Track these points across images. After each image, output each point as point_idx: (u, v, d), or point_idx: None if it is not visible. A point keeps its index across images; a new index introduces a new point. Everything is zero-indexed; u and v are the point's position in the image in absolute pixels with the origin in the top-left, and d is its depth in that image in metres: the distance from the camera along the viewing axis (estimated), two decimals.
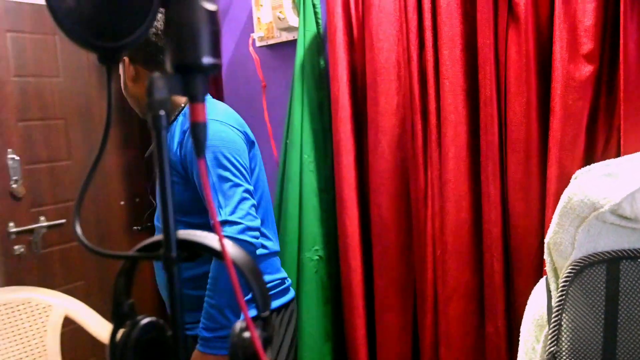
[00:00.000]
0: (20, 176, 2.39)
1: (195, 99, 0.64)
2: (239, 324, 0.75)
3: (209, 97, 1.53)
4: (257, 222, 1.36)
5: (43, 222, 2.49)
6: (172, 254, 0.68)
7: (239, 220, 1.33)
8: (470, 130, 1.67)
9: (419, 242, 1.76)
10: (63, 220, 2.56)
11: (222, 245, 0.64)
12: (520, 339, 1.29)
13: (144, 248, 0.81)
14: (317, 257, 1.93)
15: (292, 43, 1.98)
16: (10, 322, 2.22)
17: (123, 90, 1.55)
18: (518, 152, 1.59)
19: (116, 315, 0.86)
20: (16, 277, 2.43)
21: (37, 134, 2.47)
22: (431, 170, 1.71)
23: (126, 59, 1.49)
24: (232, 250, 0.70)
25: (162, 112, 0.63)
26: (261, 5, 2.01)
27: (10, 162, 2.36)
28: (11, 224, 2.38)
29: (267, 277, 1.44)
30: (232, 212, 1.33)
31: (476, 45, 1.62)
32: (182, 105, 1.52)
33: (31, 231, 2.45)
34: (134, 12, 0.64)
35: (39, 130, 2.48)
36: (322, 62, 1.96)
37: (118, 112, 2.79)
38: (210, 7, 0.64)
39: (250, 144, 1.50)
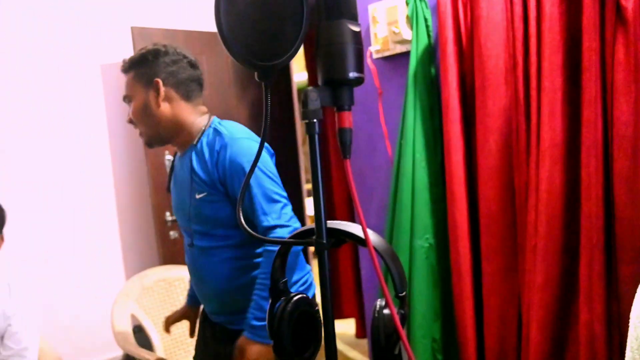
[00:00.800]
0: None
1: (342, 108, 0.79)
2: (379, 302, 0.90)
3: (225, 121, 1.65)
4: (298, 224, 1.49)
5: None
6: (323, 241, 0.84)
7: (287, 224, 1.47)
8: (568, 129, 1.78)
9: (521, 231, 1.90)
10: None
11: (365, 233, 0.79)
12: (630, 324, 1.35)
13: (298, 235, 1.04)
14: (427, 245, 2.12)
15: (406, 54, 2.17)
16: (168, 295, 2.65)
17: (138, 112, 1.57)
18: (625, 148, 1.67)
19: (273, 291, 1.08)
20: (170, 258, 2.83)
21: None
22: (532, 166, 1.84)
23: (159, 80, 1.54)
24: (373, 237, 0.83)
25: (314, 120, 0.79)
26: (377, 22, 2.22)
27: (167, 162, 2.80)
28: (167, 214, 2.81)
29: (301, 272, 1.52)
30: (279, 217, 1.47)
31: (578, 50, 1.72)
32: (203, 127, 1.58)
33: None
34: (286, 39, 0.76)
35: None
36: (432, 71, 2.14)
37: (251, 119, 3.16)
38: (355, 28, 0.76)
39: (272, 155, 1.61)
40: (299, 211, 3.50)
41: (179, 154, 1.69)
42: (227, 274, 1.56)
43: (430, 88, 2.13)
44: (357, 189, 0.88)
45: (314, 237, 0.86)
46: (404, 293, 0.91)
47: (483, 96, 1.94)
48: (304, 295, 1.06)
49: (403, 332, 0.82)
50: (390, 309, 0.82)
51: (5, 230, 1.79)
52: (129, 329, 2.28)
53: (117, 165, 2.85)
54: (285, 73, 3.35)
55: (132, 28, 2.66)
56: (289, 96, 3.36)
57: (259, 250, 1.56)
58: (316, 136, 0.82)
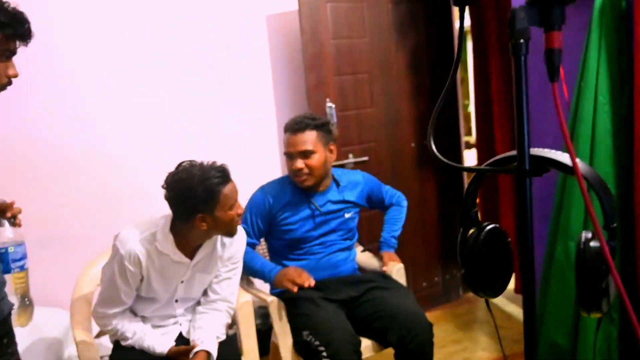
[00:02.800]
0: (335, 121, 2.88)
1: (551, 28, 0.76)
2: (584, 234, 0.88)
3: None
4: None
5: (351, 159, 2.98)
6: (526, 167, 0.81)
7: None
8: None
9: None
10: (366, 158, 3.02)
11: (573, 160, 0.75)
12: None
13: (495, 163, 1.02)
14: None
15: None
16: None
17: (319, 165, 2.14)
18: None
19: (464, 221, 1.08)
20: None
21: (348, 86, 2.95)
22: None
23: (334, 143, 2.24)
24: (581, 165, 0.81)
25: (521, 41, 0.77)
26: None
27: (328, 109, 2.87)
28: None
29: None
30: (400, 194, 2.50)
31: None
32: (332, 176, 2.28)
33: (342, 165, 2.93)
34: None
35: (349, 83, 2.95)
36: (623, 4, 1.92)
37: (410, 67, 3.12)
38: None
39: None
40: (459, 194, 3.42)
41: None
42: None
43: (619, 24, 1.92)
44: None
45: (514, 164, 0.84)
46: (614, 225, 0.87)
47: None
48: (496, 225, 1.05)
49: (613, 265, 0.79)
50: (600, 241, 0.79)
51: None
52: None
53: (280, 115, 2.99)
54: (445, 16, 3.24)
55: None
56: (448, 41, 3.24)
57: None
58: (522, 58, 0.80)
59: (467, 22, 3.28)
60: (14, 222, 1.41)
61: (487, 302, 1.12)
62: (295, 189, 2.22)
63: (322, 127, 2.14)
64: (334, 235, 2.24)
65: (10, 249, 1.36)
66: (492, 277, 1.03)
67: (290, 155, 2.13)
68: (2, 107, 2.47)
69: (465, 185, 3.37)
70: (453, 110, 3.33)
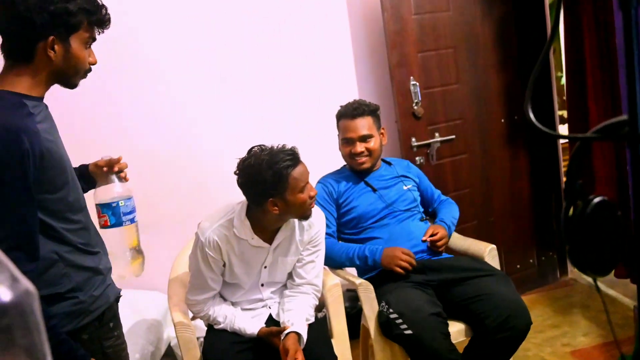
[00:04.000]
0: (419, 99, 2.81)
1: None
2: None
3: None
4: None
5: (437, 138, 2.89)
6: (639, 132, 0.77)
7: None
8: None
9: None
10: (452, 137, 2.92)
11: None
12: None
13: (601, 130, 0.93)
14: None
15: None
16: None
17: (377, 148, 2.25)
18: None
19: (569, 193, 1.00)
20: None
21: (432, 62, 2.85)
22: None
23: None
24: None
25: None
26: None
27: (412, 88, 2.80)
28: (413, 139, 2.84)
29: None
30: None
31: None
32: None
33: (428, 145, 2.87)
34: None
35: (433, 59, 2.85)
36: None
37: (497, 39, 2.97)
38: None
39: None
40: (554, 171, 3.23)
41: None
42: None
43: None
44: None
45: (626, 129, 0.77)
46: None
47: None
48: (605, 197, 0.97)
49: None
50: None
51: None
52: None
53: (363, 91, 2.95)
54: None
55: None
56: (539, 9, 3.04)
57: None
58: (633, 11, 0.72)
59: None
60: (121, 177, 1.48)
61: (595, 282, 1.04)
62: (350, 175, 2.32)
63: (375, 112, 2.27)
64: (397, 205, 2.24)
65: (121, 203, 1.42)
66: (601, 254, 0.95)
67: (350, 140, 2.23)
68: (112, 109, 2.64)
69: (561, 161, 3.20)
70: (546, 82, 3.14)
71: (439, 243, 2.14)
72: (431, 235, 2.16)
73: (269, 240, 1.87)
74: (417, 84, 2.79)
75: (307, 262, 1.95)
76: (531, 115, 0.93)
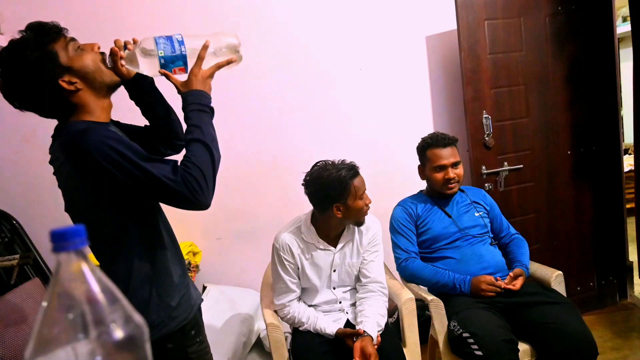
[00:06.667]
0: (491, 131, 2.69)
1: None
2: None
3: None
4: None
5: (506, 167, 2.74)
6: None
7: None
8: None
9: None
10: (520, 166, 2.76)
11: None
12: None
13: None
14: None
15: None
16: None
17: (462, 174, 2.18)
18: None
19: None
20: None
21: (504, 98, 2.71)
22: None
23: None
24: None
25: None
26: None
27: (484, 121, 2.68)
28: (483, 167, 2.72)
29: None
30: None
31: None
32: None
33: (497, 173, 2.74)
34: None
35: (505, 95, 2.71)
36: None
37: (566, 77, 2.78)
38: None
39: None
40: (617, 200, 2.98)
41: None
42: None
43: None
44: None
45: None
46: None
47: None
48: None
49: None
50: None
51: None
52: None
53: (438, 125, 2.88)
54: (606, 23, 2.82)
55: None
56: (609, 49, 2.83)
57: None
58: None
59: (628, 27, 2.83)
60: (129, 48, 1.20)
61: None
62: (427, 199, 2.25)
63: (456, 142, 2.20)
64: (469, 230, 2.14)
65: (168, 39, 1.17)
66: None
67: (444, 167, 2.14)
68: (223, 126, 2.72)
69: (624, 190, 2.95)
70: (613, 115, 2.91)
71: (518, 287, 1.96)
72: (513, 279, 1.99)
73: (334, 244, 1.92)
74: (490, 117, 2.67)
75: (368, 261, 1.97)
76: None
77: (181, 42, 1.16)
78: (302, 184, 1.87)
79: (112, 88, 1.22)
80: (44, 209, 2.58)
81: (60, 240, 0.50)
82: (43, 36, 1.12)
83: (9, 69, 1.12)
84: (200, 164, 1.13)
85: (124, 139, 1.12)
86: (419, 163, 2.26)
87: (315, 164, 1.87)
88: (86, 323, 0.49)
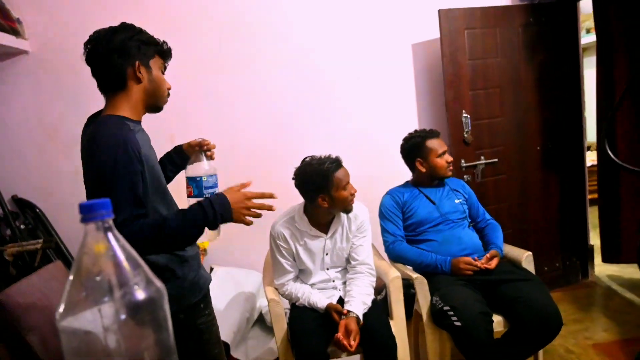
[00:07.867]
0: (469, 129, 2.69)
1: None
2: None
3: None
4: None
5: (482, 161, 2.76)
6: None
7: None
8: None
9: None
10: (495, 160, 2.77)
11: None
12: None
13: None
14: None
15: None
16: None
17: None
18: None
19: None
20: None
21: (481, 99, 2.72)
22: None
23: None
24: None
25: None
26: None
27: (463, 119, 2.69)
28: (463, 161, 2.72)
29: None
30: None
31: None
32: None
33: (475, 166, 2.75)
34: None
35: (482, 96, 2.72)
36: None
37: (536, 81, 2.79)
38: None
39: None
40: (580, 191, 2.99)
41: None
42: None
43: None
44: None
45: None
46: None
47: None
48: None
49: None
50: None
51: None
52: None
53: (422, 124, 2.88)
54: (572, 34, 2.83)
55: (439, 10, 2.58)
56: (573, 57, 2.84)
57: None
58: None
59: (592, 38, 2.83)
60: (208, 155, 1.39)
61: None
62: (413, 188, 2.22)
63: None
64: (450, 215, 2.14)
65: (204, 178, 1.31)
66: None
67: (444, 153, 2.15)
68: (229, 122, 2.70)
69: (587, 181, 2.97)
70: (577, 116, 2.93)
71: (493, 266, 1.98)
72: (489, 259, 2.00)
73: (325, 231, 1.91)
74: (468, 116, 2.68)
75: (357, 246, 1.95)
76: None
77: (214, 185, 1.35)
78: (292, 178, 1.85)
79: (154, 109, 1.27)
80: (64, 198, 2.56)
81: (88, 212, 0.50)
82: (156, 43, 1.23)
83: (119, 32, 1.19)
84: (148, 236, 1.08)
85: (134, 161, 1.10)
86: (418, 158, 2.17)
87: (304, 159, 1.85)
88: (111, 286, 0.49)
